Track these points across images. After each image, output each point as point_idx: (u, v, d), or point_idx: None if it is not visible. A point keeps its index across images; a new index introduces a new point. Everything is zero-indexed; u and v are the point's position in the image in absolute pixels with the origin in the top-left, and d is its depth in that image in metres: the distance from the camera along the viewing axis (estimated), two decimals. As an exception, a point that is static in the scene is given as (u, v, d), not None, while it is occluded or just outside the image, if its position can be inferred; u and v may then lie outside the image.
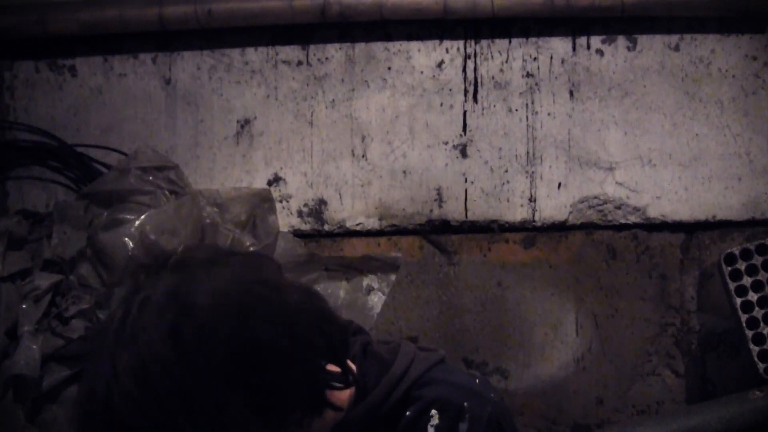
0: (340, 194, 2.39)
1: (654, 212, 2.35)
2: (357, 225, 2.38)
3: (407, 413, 1.04)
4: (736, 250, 2.10)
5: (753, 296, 2.09)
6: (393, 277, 2.32)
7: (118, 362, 0.86)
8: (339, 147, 2.39)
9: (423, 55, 2.39)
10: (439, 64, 2.39)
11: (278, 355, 0.92)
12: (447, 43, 2.38)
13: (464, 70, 2.38)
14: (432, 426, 1.03)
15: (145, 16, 2.33)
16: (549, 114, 2.37)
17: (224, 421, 0.87)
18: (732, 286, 2.09)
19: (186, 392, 0.86)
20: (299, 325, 0.95)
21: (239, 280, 0.93)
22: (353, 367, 1.05)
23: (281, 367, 0.92)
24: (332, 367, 1.00)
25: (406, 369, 1.06)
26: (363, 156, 2.39)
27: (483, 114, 2.38)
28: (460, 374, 1.13)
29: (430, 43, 2.39)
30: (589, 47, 2.37)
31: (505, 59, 2.38)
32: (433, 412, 1.03)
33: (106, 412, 0.86)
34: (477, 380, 1.11)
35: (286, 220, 2.38)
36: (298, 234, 2.37)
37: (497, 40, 2.38)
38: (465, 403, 1.03)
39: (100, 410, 0.87)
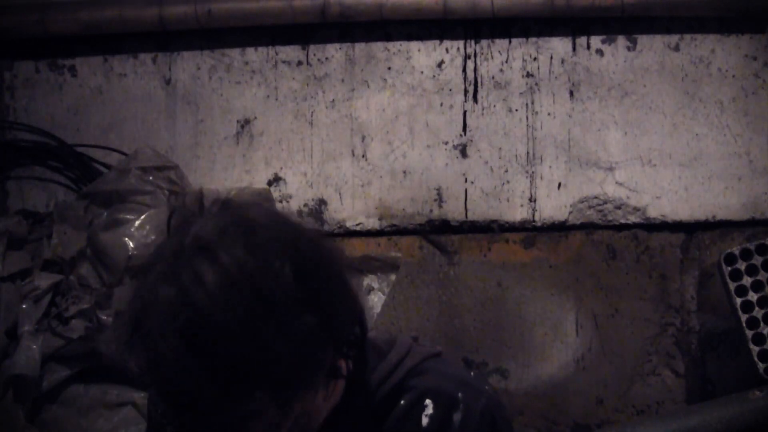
0: (340, 194, 2.39)
1: (654, 212, 2.35)
2: (357, 225, 2.38)
3: (401, 402, 1.04)
4: (736, 250, 2.10)
5: (753, 296, 2.09)
6: (393, 277, 2.32)
7: (201, 272, 0.86)
8: (339, 147, 2.39)
9: (423, 55, 2.39)
10: (439, 64, 2.39)
11: (335, 278, 0.94)
12: (447, 43, 2.38)
13: (464, 70, 2.38)
14: (426, 416, 1.03)
15: (145, 16, 2.33)
16: (549, 114, 2.37)
17: (302, 339, 0.88)
18: (732, 286, 2.09)
19: (266, 315, 0.86)
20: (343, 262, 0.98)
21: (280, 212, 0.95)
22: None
23: (339, 292, 0.94)
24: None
25: (401, 358, 1.06)
26: (363, 156, 2.39)
27: (483, 114, 2.38)
28: (454, 366, 1.13)
29: (430, 43, 2.39)
30: (589, 47, 2.37)
31: (505, 59, 2.38)
32: (428, 401, 1.03)
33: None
34: (472, 373, 1.11)
35: (286, 220, 2.38)
36: (298, 234, 2.36)
37: (497, 40, 2.38)
38: (459, 394, 1.03)
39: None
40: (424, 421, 1.02)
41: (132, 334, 0.88)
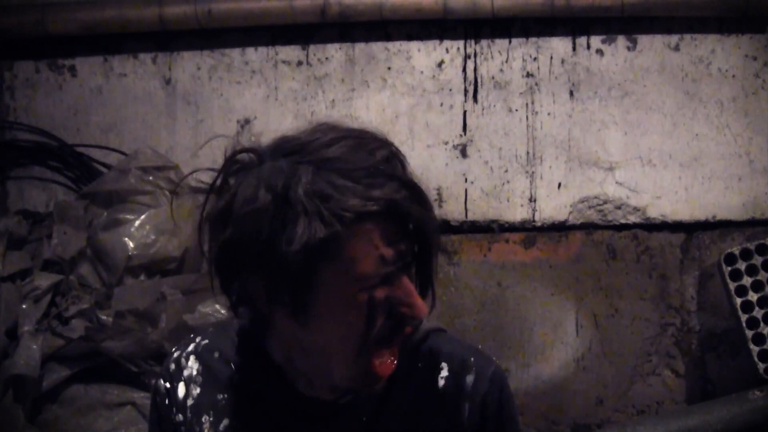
0: (340, 194, 2.39)
1: (654, 212, 2.35)
2: (357, 225, 2.38)
3: (419, 365, 1.10)
4: (736, 250, 2.10)
5: (753, 296, 2.09)
6: (393, 277, 2.32)
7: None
8: (339, 147, 2.39)
9: (423, 55, 2.39)
10: (439, 64, 2.39)
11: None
12: (447, 43, 2.38)
13: (464, 70, 2.39)
14: (442, 378, 1.09)
15: (145, 16, 2.33)
16: (549, 114, 2.37)
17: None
18: (732, 286, 2.09)
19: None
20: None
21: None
22: None
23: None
24: None
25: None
26: (363, 156, 2.39)
27: (483, 114, 2.38)
28: (462, 339, 1.20)
29: (430, 43, 2.39)
30: (589, 47, 2.37)
31: (505, 59, 2.38)
32: (443, 364, 1.10)
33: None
34: (479, 346, 1.18)
35: (286, 220, 2.38)
36: (298, 234, 2.37)
37: (497, 40, 2.38)
38: (472, 359, 1.11)
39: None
40: (440, 383, 1.09)
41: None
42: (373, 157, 0.94)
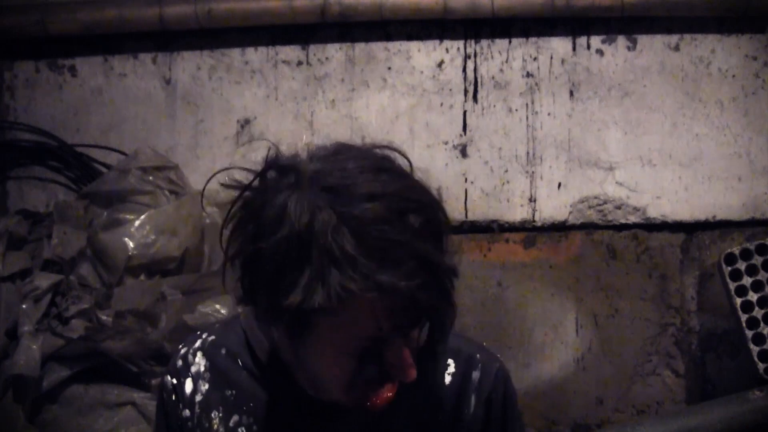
0: (340, 194, 2.39)
1: (654, 212, 2.35)
2: (357, 225, 2.38)
3: (426, 361, 1.10)
4: (736, 250, 2.10)
5: (753, 296, 2.09)
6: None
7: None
8: (339, 147, 2.39)
9: (423, 55, 2.39)
10: (439, 64, 2.39)
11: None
12: (447, 43, 2.38)
13: (464, 70, 2.38)
14: (449, 374, 1.11)
15: (145, 16, 2.33)
16: (549, 114, 2.37)
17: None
18: (732, 286, 2.09)
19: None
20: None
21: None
22: None
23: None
24: None
25: None
26: (363, 156, 2.39)
27: (483, 114, 2.38)
28: (467, 336, 1.21)
29: (430, 43, 2.39)
30: (589, 47, 2.37)
31: (505, 59, 2.38)
32: (450, 361, 1.12)
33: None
34: (484, 343, 1.20)
35: (286, 220, 2.38)
36: (298, 234, 2.36)
37: (497, 40, 2.38)
38: (477, 355, 1.13)
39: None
40: (447, 379, 1.11)
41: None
42: (403, 227, 0.89)
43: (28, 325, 2.04)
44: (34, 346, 2.00)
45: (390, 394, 0.97)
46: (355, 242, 0.86)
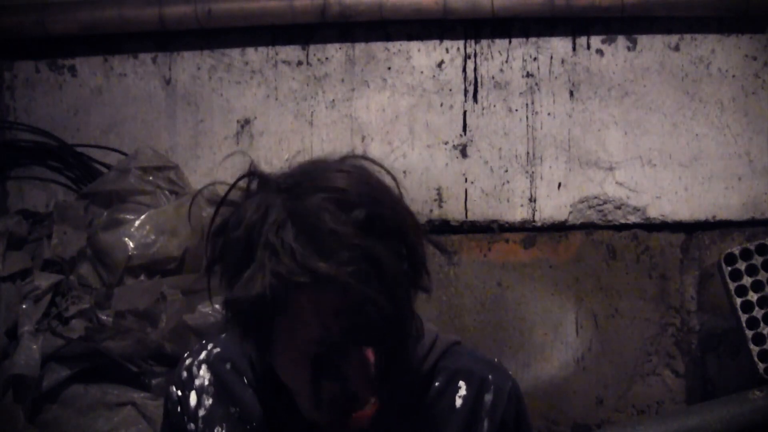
0: (340, 194, 2.39)
1: (654, 212, 2.35)
2: (357, 225, 2.38)
3: (436, 384, 1.09)
4: (736, 250, 2.10)
5: (753, 296, 2.09)
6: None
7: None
8: (339, 147, 2.39)
9: (423, 55, 2.39)
10: (439, 64, 2.39)
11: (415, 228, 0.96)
12: (447, 43, 2.38)
13: (464, 70, 2.38)
14: (460, 396, 1.09)
15: (145, 16, 2.33)
16: (549, 114, 2.37)
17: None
18: (732, 286, 2.09)
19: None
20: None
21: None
22: None
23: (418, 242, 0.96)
24: None
25: (433, 342, 1.11)
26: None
27: (483, 114, 2.38)
28: (479, 352, 1.19)
29: (430, 43, 2.39)
30: (589, 47, 2.37)
31: (505, 59, 2.38)
32: (461, 383, 1.09)
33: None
34: (495, 359, 1.17)
35: (286, 220, 2.38)
36: (298, 234, 2.36)
37: (497, 40, 2.38)
38: (490, 376, 1.11)
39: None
40: (458, 402, 1.08)
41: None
42: (345, 219, 0.88)
43: (28, 325, 2.04)
44: (34, 346, 2.00)
45: (365, 415, 0.95)
46: (295, 233, 0.87)
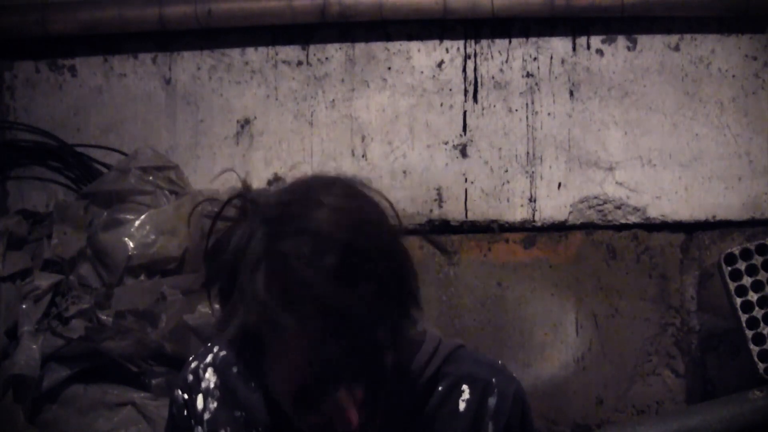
0: (340, 194, 2.39)
1: (654, 212, 2.35)
2: (357, 225, 2.38)
3: (439, 388, 1.08)
4: (736, 250, 2.10)
5: (753, 296, 2.09)
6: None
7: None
8: (339, 147, 2.39)
9: (423, 55, 2.39)
10: (439, 64, 2.39)
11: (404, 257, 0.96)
12: (447, 43, 2.38)
13: (464, 70, 2.39)
14: (463, 401, 1.08)
15: (145, 16, 2.33)
16: (549, 114, 2.37)
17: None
18: (732, 286, 2.09)
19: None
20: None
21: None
22: None
23: (408, 272, 0.96)
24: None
25: (436, 347, 1.11)
26: (363, 156, 2.39)
27: (483, 114, 2.38)
28: (482, 355, 1.18)
29: (430, 43, 2.39)
30: (589, 47, 2.37)
31: (505, 59, 2.38)
32: (464, 387, 1.09)
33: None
34: (499, 362, 1.17)
35: (286, 220, 2.38)
36: (298, 234, 2.36)
37: (497, 40, 2.38)
38: (493, 379, 1.10)
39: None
40: (461, 406, 1.08)
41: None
42: (317, 264, 0.86)
43: (28, 325, 2.04)
44: (34, 346, 2.00)
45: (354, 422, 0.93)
46: (265, 279, 0.87)
